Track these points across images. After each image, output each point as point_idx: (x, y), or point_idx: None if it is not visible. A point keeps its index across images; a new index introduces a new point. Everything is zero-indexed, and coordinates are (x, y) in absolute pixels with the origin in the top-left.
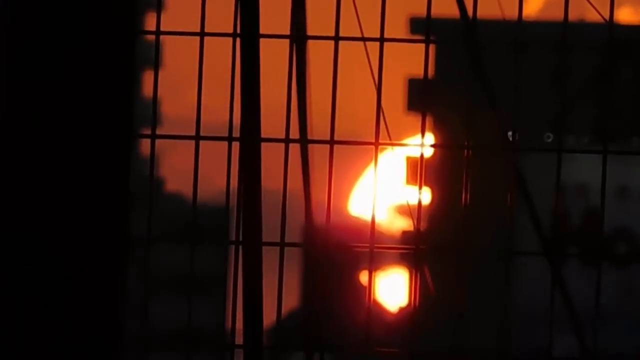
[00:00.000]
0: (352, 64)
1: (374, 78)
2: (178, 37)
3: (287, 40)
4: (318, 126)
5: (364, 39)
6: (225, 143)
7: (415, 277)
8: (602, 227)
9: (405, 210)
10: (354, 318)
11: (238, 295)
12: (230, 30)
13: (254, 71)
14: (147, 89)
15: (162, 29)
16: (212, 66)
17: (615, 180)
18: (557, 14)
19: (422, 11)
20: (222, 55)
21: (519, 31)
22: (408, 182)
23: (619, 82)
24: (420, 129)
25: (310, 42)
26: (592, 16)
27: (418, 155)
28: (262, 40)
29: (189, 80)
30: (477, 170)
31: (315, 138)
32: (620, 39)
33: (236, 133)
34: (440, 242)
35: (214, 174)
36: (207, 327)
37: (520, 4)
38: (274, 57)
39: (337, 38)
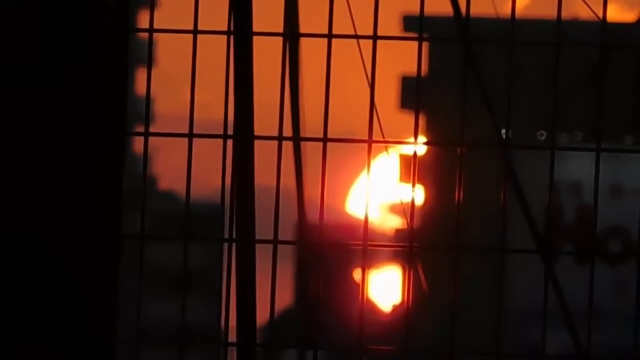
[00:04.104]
0: (345, 62)
1: (367, 76)
2: (171, 34)
3: (280, 38)
4: (311, 124)
5: (357, 37)
6: (218, 141)
7: (409, 275)
8: (596, 225)
9: (398, 208)
10: (347, 315)
11: (231, 293)
12: (224, 28)
13: (247, 69)
14: (140, 87)
15: (155, 26)
16: (206, 64)
17: (609, 178)
18: (548, 12)
19: (415, 9)
20: (215, 53)
21: (513, 29)
22: (401, 180)
23: (612, 80)
24: (413, 126)
25: (303, 40)
26: (585, 13)
27: (411, 153)
28: (255, 37)
29: (182, 78)
30: (470, 168)
31: (309, 136)
32: (613, 37)
33: (230, 131)
34: (433, 240)
35: (207, 172)
36: (200, 325)
37: (513, 2)
38: (266, 54)
39: (330, 36)
